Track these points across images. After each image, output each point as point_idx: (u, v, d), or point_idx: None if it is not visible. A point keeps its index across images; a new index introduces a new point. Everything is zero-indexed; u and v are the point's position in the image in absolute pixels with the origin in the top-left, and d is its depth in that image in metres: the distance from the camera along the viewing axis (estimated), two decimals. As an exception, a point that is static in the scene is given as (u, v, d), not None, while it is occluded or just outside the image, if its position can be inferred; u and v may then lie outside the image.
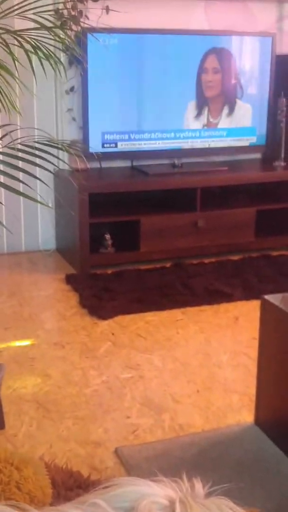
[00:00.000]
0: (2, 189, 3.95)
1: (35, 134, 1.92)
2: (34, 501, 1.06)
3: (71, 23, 3.72)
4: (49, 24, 2.15)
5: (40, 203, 2.12)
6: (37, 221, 4.19)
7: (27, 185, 2.01)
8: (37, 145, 1.82)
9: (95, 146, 3.99)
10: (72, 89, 4.02)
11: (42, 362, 2.74)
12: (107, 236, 3.87)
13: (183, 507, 0.79)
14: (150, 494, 0.81)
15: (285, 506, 1.87)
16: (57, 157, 1.92)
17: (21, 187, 2.12)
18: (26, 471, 1.10)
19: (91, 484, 1.19)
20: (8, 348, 2.88)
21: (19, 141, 1.75)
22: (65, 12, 3.81)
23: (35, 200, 1.81)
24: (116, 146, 4.09)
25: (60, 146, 1.81)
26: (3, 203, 3.94)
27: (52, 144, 1.78)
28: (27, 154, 1.98)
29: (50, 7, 3.42)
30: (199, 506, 0.79)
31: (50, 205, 4.13)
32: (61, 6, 3.76)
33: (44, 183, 1.90)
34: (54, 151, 2.03)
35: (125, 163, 4.24)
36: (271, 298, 2.15)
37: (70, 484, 1.20)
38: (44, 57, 1.95)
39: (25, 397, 2.45)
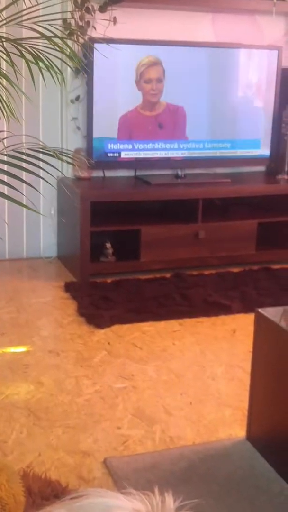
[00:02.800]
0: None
1: (29, 142, 1.92)
2: (5, 509, 1.05)
3: (79, 33, 3.75)
4: (55, 33, 2.16)
5: (41, 214, 2.11)
6: (39, 228, 4.20)
7: (18, 194, 2.01)
8: (29, 152, 1.82)
9: (99, 155, 4.00)
10: (77, 98, 4.03)
11: (36, 369, 2.73)
12: (108, 245, 3.87)
13: None
14: (117, 507, 0.79)
15: (273, 523, 1.85)
16: (53, 166, 1.92)
17: (24, 199, 2.12)
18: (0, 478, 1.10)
19: (68, 494, 1.18)
20: (2, 354, 2.87)
21: (10, 148, 1.75)
22: (72, 22, 3.84)
23: (37, 212, 1.81)
24: (119, 155, 4.10)
25: (52, 153, 1.81)
26: (5, 209, 3.96)
27: (44, 151, 1.78)
28: (25, 162, 1.98)
29: (58, 16, 3.48)
30: None
31: (52, 212, 4.14)
32: (69, 16, 3.79)
33: (39, 191, 1.89)
34: (54, 160, 2.03)
35: (128, 173, 4.25)
36: (265, 311, 2.14)
37: (47, 493, 1.18)
38: (44, 67, 1.96)
39: (17, 403, 2.44)
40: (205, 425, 2.36)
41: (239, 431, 2.31)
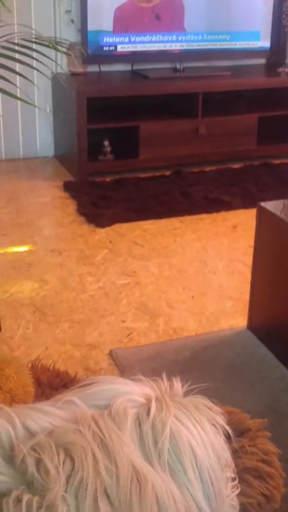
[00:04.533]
0: (0, 96, 3.84)
1: (22, 31, 1.82)
2: (15, 400, 1.09)
3: None
4: None
5: (36, 106, 2.04)
6: (35, 127, 4.09)
7: (12, 88, 1.93)
8: (23, 42, 1.73)
9: (94, 49, 3.83)
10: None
11: (39, 268, 2.76)
12: (106, 143, 3.79)
13: (159, 405, 0.79)
14: (127, 393, 0.81)
15: (274, 407, 1.93)
16: (48, 57, 1.83)
17: (18, 92, 2.04)
18: (8, 371, 1.13)
19: (77, 383, 1.22)
20: (5, 253, 2.89)
21: (3, 38, 1.66)
22: None
23: (32, 104, 1.74)
24: (115, 49, 3.92)
25: (47, 43, 1.71)
26: (0, 109, 3.84)
27: (39, 41, 1.69)
28: (18, 53, 1.89)
29: None
30: (176, 405, 0.80)
31: (48, 110, 4.02)
32: None
33: (33, 83, 1.81)
34: (50, 53, 1.93)
35: (125, 67, 4.09)
36: (267, 205, 2.12)
37: (56, 384, 1.22)
38: None
39: (22, 301, 2.49)
40: (207, 316, 2.41)
41: (241, 321, 2.36)
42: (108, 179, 3.73)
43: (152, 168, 3.84)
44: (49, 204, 3.47)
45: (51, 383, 1.21)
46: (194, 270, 2.77)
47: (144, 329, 2.31)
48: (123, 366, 2.08)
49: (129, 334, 2.28)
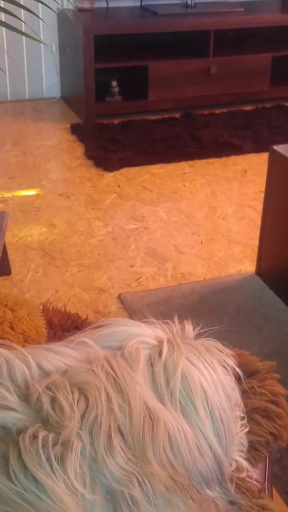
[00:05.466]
0: (4, 35, 3.73)
1: None
2: (28, 341, 1.10)
3: None
4: None
5: (42, 42, 1.98)
6: (41, 67, 4.00)
7: (17, 23, 1.87)
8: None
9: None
10: None
11: (48, 212, 2.75)
12: (114, 83, 3.71)
13: (171, 347, 0.80)
14: (139, 334, 0.82)
15: (280, 350, 1.96)
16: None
17: (23, 27, 1.97)
18: (20, 312, 1.13)
19: (88, 325, 1.23)
20: (13, 197, 2.88)
21: None
22: None
23: (37, 40, 1.69)
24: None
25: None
26: (4, 43, 3.74)
27: None
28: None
29: None
30: (187, 346, 0.81)
31: (53, 48, 3.92)
32: None
33: (38, 16, 1.75)
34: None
35: (134, 3, 3.95)
36: (280, 148, 2.08)
37: (68, 325, 1.24)
38: None
39: (31, 245, 2.49)
40: (216, 262, 2.41)
41: (249, 267, 2.36)
42: (116, 121, 3.67)
43: (161, 110, 3.77)
44: (56, 147, 3.43)
45: (62, 325, 1.22)
46: (203, 215, 2.75)
47: (152, 274, 2.32)
48: (132, 309, 2.09)
49: (137, 279, 2.29)
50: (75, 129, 3.58)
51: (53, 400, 0.69)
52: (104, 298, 2.18)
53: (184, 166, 3.21)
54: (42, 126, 3.69)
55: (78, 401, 0.69)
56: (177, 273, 2.33)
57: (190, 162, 3.24)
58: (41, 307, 1.28)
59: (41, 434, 0.66)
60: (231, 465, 0.79)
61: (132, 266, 2.37)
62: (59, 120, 3.77)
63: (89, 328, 0.85)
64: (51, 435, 0.66)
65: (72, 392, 0.70)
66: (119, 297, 2.18)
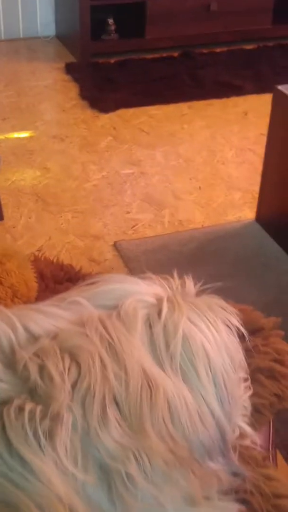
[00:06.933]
0: None
1: None
2: (17, 295, 1.04)
3: None
4: None
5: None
6: (35, 5, 3.81)
7: None
8: None
9: None
10: None
11: (41, 155, 2.65)
12: (110, 21, 3.54)
13: (171, 305, 0.73)
14: (136, 292, 0.75)
15: (280, 299, 1.91)
16: None
17: None
18: (9, 265, 1.06)
19: (81, 278, 1.16)
20: (6, 140, 2.77)
21: None
22: None
23: None
24: None
25: None
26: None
27: None
28: None
29: None
30: (188, 305, 0.74)
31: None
32: None
33: None
34: None
35: None
36: (285, 88, 1.98)
37: (60, 277, 1.17)
38: None
39: (23, 189, 2.41)
40: (215, 208, 2.34)
41: (249, 213, 2.30)
42: (112, 60, 3.52)
43: (159, 48, 3.61)
44: (50, 87, 3.29)
45: (55, 277, 1.16)
46: (202, 159, 2.66)
47: (149, 221, 2.25)
48: (128, 257, 2.04)
49: (134, 226, 2.22)
50: (70, 69, 3.44)
51: (42, 368, 0.63)
52: (99, 245, 2.12)
53: (182, 108, 3.09)
54: (37, 65, 3.54)
55: (69, 368, 0.63)
56: (175, 220, 2.26)
57: (189, 103, 3.12)
58: (33, 258, 1.21)
59: (28, 406, 0.60)
60: (234, 432, 0.74)
61: (128, 212, 2.30)
62: (53, 60, 3.62)
63: (83, 284, 0.78)
64: (38, 408, 0.60)
65: (63, 359, 0.64)
66: (115, 244, 2.12)
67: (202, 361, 0.68)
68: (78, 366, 0.64)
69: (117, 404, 0.63)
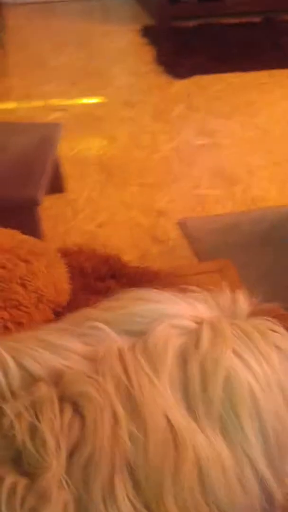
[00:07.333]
0: None
1: None
2: (42, 301, 0.90)
3: None
4: None
5: None
6: None
7: None
8: None
9: None
10: None
11: (109, 122, 2.54)
12: (190, -19, 3.35)
13: (213, 333, 0.57)
14: (172, 316, 0.59)
15: None
16: None
17: None
18: (37, 264, 0.92)
19: (127, 274, 1.02)
20: (73, 105, 2.67)
21: None
22: None
23: None
24: None
25: None
26: None
27: None
28: None
29: None
30: (235, 331, 0.58)
31: None
32: None
33: None
34: None
35: None
36: None
37: (103, 273, 1.01)
38: None
39: (88, 160, 2.31)
40: (291, 186, 2.16)
41: None
42: (190, 24, 3.36)
43: (239, 13, 3.44)
44: (124, 50, 3.17)
45: (97, 272, 1.01)
46: (281, 132, 2.47)
47: (219, 197, 2.10)
48: (193, 237, 1.90)
49: (202, 202, 2.08)
50: (146, 32, 3.31)
51: (33, 427, 0.49)
52: (163, 222, 1.99)
53: (262, 76, 2.90)
54: (111, 27, 3.42)
55: (69, 426, 0.49)
56: (247, 197, 2.10)
57: (270, 72, 2.93)
58: (76, 249, 1.06)
59: (9, 478, 0.46)
60: (284, 488, 0.59)
61: (196, 187, 2.16)
62: (129, 21, 3.48)
63: (111, 298, 0.64)
64: (22, 482, 0.47)
65: (62, 412, 0.50)
66: (180, 222, 1.98)
67: (248, 408, 0.53)
68: (82, 421, 0.50)
69: (130, 474, 0.49)
